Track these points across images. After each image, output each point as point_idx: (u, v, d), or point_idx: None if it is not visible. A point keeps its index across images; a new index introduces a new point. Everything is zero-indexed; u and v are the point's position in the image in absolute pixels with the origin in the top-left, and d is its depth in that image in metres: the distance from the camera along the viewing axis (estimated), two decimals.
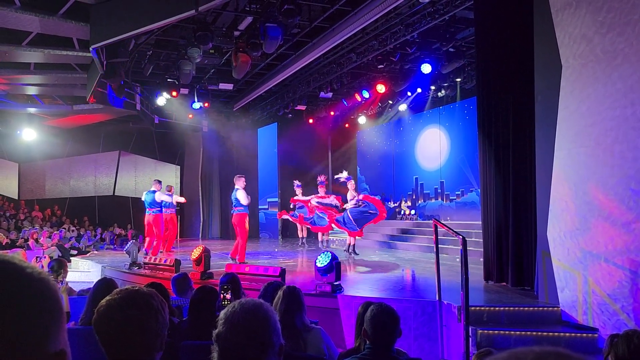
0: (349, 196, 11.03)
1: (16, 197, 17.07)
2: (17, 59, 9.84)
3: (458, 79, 13.04)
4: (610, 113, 5.16)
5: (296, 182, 13.26)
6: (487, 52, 7.51)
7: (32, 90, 12.59)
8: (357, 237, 11.12)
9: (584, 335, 5.26)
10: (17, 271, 0.70)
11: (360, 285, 7.44)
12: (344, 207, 11.28)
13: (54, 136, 17.11)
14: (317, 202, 11.83)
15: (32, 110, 14.46)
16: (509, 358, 0.56)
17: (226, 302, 3.69)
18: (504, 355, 0.57)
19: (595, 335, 5.20)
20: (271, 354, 1.44)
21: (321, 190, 11.99)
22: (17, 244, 12.87)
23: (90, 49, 8.16)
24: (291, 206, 13.10)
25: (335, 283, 6.41)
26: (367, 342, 2.80)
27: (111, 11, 7.84)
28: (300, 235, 13.65)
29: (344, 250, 11.07)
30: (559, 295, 5.68)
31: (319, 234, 12.01)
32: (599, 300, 5.26)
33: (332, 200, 11.69)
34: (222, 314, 1.47)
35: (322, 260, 6.42)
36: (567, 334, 5.32)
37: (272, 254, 12.22)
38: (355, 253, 10.84)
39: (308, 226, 12.62)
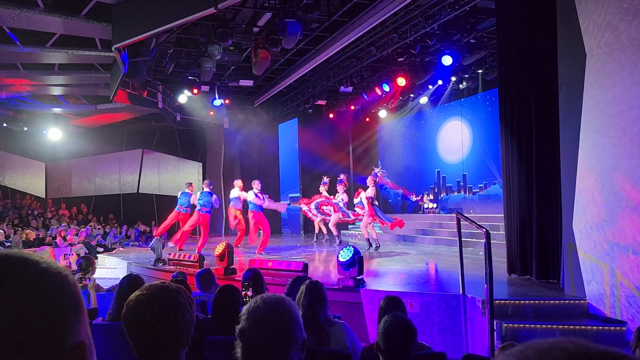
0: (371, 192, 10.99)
1: (43, 196, 17.41)
2: (42, 60, 10.02)
3: (479, 71, 12.88)
4: (637, 102, 5.05)
5: (324, 179, 13.21)
6: (509, 42, 7.39)
7: (56, 91, 12.81)
8: (378, 232, 11.08)
9: (612, 328, 5.18)
10: (33, 266, 0.72)
11: (383, 279, 7.42)
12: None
13: (78, 135, 17.42)
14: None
15: (57, 110, 14.72)
16: (525, 350, 0.57)
17: (247, 299, 3.71)
18: (520, 347, 0.58)
19: (624, 328, 5.11)
20: (294, 348, 1.45)
21: (340, 188, 12.01)
22: (45, 241, 13.15)
23: (113, 48, 8.27)
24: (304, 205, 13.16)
25: (358, 277, 6.41)
26: (381, 357, 2.55)
27: (132, 11, 7.92)
28: (316, 231, 13.62)
29: (374, 248, 10.94)
30: (586, 288, 5.59)
31: (334, 230, 12.08)
32: (627, 292, 5.17)
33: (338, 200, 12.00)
34: (244, 309, 1.48)
35: (345, 255, 6.42)
36: (595, 327, 5.24)
37: (294, 248, 12.26)
38: (377, 248, 10.78)
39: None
